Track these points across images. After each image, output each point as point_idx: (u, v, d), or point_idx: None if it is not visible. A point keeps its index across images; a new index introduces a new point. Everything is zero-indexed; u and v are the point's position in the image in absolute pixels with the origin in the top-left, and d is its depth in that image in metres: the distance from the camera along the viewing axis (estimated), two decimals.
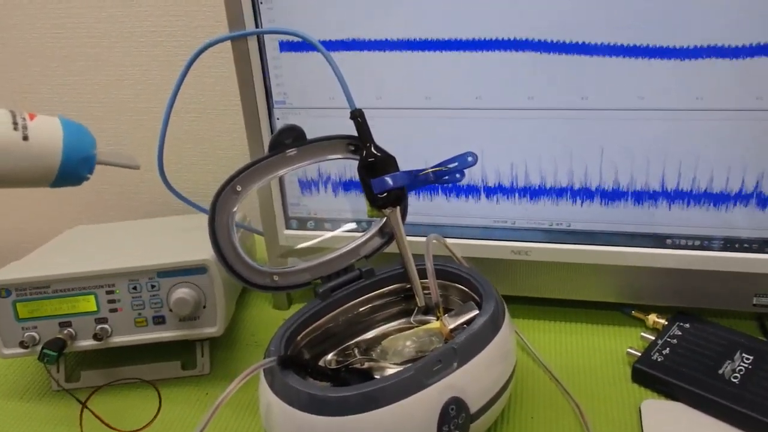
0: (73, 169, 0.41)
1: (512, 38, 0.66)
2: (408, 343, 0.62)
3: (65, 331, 0.71)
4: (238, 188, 0.62)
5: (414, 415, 0.54)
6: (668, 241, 0.72)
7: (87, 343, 0.72)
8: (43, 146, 0.39)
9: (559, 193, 0.72)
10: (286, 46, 0.72)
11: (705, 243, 0.71)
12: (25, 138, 0.38)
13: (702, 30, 0.62)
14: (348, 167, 0.77)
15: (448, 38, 0.68)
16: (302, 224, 0.81)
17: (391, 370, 0.61)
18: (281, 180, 0.79)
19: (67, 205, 1.18)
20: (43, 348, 0.68)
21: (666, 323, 0.75)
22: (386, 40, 0.69)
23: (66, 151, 0.40)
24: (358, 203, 0.78)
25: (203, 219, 0.61)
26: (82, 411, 0.64)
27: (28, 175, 0.39)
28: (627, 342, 0.77)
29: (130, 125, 1.08)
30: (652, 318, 0.77)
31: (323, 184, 0.78)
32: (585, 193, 0.72)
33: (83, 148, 0.41)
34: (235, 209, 0.61)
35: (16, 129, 0.38)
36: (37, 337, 0.71)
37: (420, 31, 0.68)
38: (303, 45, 0.71)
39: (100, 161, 0.43)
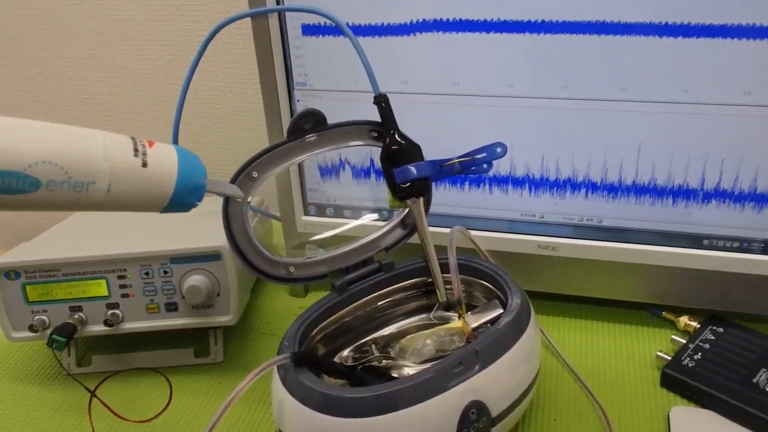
0: (185, 196, 0.42)
1: (547, 20, 0.63)
2: (428, 342, 0.60)
3: (75, 316, 0.69)
4: (255, 174, 0.59)
5: (432, 419, 0.52)
6: (705, 241, 0.69)
7: (97, 328, 0.70)
8: (159, 173, 0.40)
9: (591, 187, 0.69)
10: (308, 30, 0.69)
11: (744, 245, 0.68)
12: (144, 165, 0.39)
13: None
14: (370, 153, 0.74)
15: (481, 19, 0.64)
16: (321, 211, 0.79)
17: (409, 370, 0.58)
18: (300, 164, 0.76)
19: None
20: (51, 333, 0.67)
21: (698, 327, 0.72)
22: (414, 21, 0.66)
23: (180, 179, 0.41)
24: (379, 191, 0.76)
25: (219, 202, 0.58)
26: (90, 400, 0.63)
27: (142, 200, 0.40)
28: (656, 344, 0.74)
29: (148, 101, 1.06)
30: (684, 320, 0.74)
31: (344, 170, 0.76)
32: (619, 189, 0.68)
33: (195, 176, 0.42)
34: (250, 197, 0.59)
35: (136, 156, 0.39)
36: (47, 320, 0.70)
37: (451, 11, 0.64)
38: (326, 29, 0.68)
39: (209, 190, 0.44)
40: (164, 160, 0.41)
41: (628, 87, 0.63)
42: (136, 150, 0.40)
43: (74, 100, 1.09)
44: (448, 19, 0.65)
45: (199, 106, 1.02)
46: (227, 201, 0.57)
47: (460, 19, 0.65)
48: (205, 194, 0.45)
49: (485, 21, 0.64)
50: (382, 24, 0.66)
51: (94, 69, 1.05)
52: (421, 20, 0.65)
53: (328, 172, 0.76)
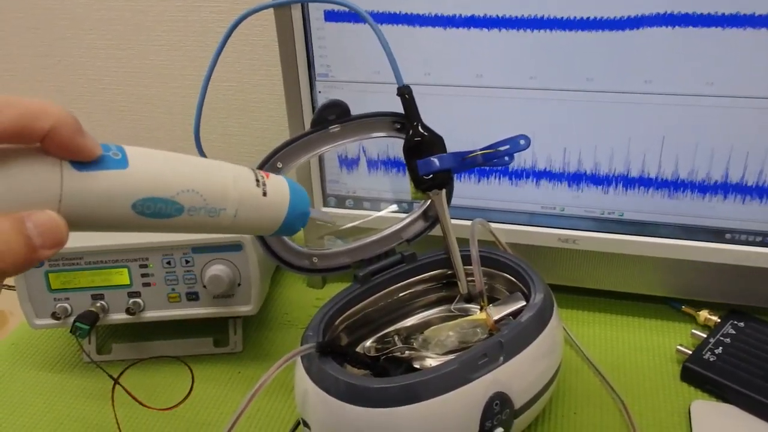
0: (293, 223, 0.46)
1: (571, 17, 0.62)
2: (450, 333, 0.60)
3: (98, 304, 0.70)
4: (279, 165, 0.60)
5: (456, 410, 0.52)
6: (727, 235, 0.69)
7: (119, 316, 0.71)
8: (275, 202, 0.44)
9: (613, 180, 0.69)
10: (331, 16, 0.69)
11: (766, 239, 0.68)
12: (264, 194, 0.43)
13: None
14: (391, 145, 0.74)
15: (505, 16, 0.64)
16: (341, 202, 0.79)
17: (432, 361, 0.58)
18: (321, 156, 0.76)
19: None
20: (75, 321, 0.67)
21: (719, 321, 0.72)
22: (439, 15, 0.65)
23: (291, 208, 0.45)
24: (399, 183, 0.76)
25: None
26: (114, 387, 0.63)
27: (259, 225, 0.44)
28: (676, 338, 0.74)
29: (165, 91, 1.06)
30: (704, 315, 0.74)
31: (364, 162, 0.76)
32: (641, 182, 0.68)
33: (302, 205, 0.46)
34: None
35: (258, 186, 0.43)
36: (69, 308, 0.70)
37: (475, 7, 0.64)
38: (350, 15, 0.68)
39: (312, 217, 0.49)
40: (279, 190, 0.45)
41: (653, 79, 0.63)
42: (257, 180, 0.43)
43: (92, 90, 1.09)
44: (471, 16, 0.65)
45: (215, 97, 1.02)
46: None
47: (484, 16, 0.64)
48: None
49: (510, 17, 0.64)
50: (406, 13, 0.66)
51: (111, 59, 1.05)
52: (447, 14, 0.65)
53: (348, 163, 0.76)
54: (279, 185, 0.45)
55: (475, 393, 0.52)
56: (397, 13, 0.67)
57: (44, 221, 0.32)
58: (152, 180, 0.37)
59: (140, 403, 0.63)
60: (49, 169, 0.33)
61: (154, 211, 0.38)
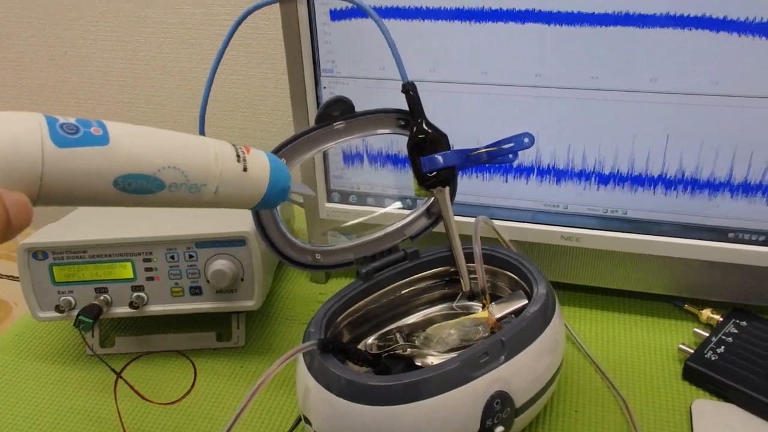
0: (273, 198, 0.46)
1: (577, 11, 0.62)
2: (452, 331, 0.60)
3: (101, 297, 0.70)
4: (283, 161, 0.59)
5: (457, 408, 0.52)
6: (731, 234, 0.68)
7: (123, 310, 0.71)
8: (256, 177, 0.45)
9: (617, 178, 0.69)
10: (337, 15, 0.68)
11: None
12: (245, 169, 0.44)
13: None
14: (395, 141, 0.74)
15: (511, 9, 0.64)
16: (344, 198, 0.79)
17: (433, 359, 0.59)
18: (325, 151, 0.76)
19: None
20: (78, 314, 0.67)
21: (721, 319, 0.72)
22: (444, 8, 0.65)
23: (272, 182, 0.46)
24: (403, 179, 0.76)
25: None
26: (116, 381, 0.63)
27: (240, 200, 0.45)
28: (678, 337, 0.74)
29: (171, 84, 1.06)
30: (707, 313, 0.73)
31: (368, 157, 0.76)
32: (645, 181, 0.68)
33: (283, 180, 0.47)
34: None
35: (238, 161, 0.43)
36: (73, 301, 0.70)
37: (481, 0, 0.64)
38: (356, 13, 0.68)
39: (292, 191, 0.49)
40: (259, 165, 0.45)
41: (658, 78, 0.63)
42: (238, 156, 0.44)
43: (98, 81, 1.09)
44: (477, 9, 0.64)
45: (221, 90, 1.02)
46: None
47: (490, 9, 0.64)
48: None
49: (516, 11, 0.64)
50: (411, 7, 0.66)
51: (118, 51, 1.05)
52: (452, 7, 0.65)
53: (352, 159, 0.76)
54: (259, 160, 0.45)
55: (476, 391, 0.52)
56: (402, 7, 0.66)
57: (17, 200, 0.33)
58: (134, 157, 0.38)
59: (142, 397, 0.63)
60: (30, 147, 0.33)
61: (136, 187, 0.38)
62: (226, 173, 0.43)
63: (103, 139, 0.36)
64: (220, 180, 0.42)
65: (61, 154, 0.34)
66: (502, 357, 0.54)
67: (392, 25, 0.67)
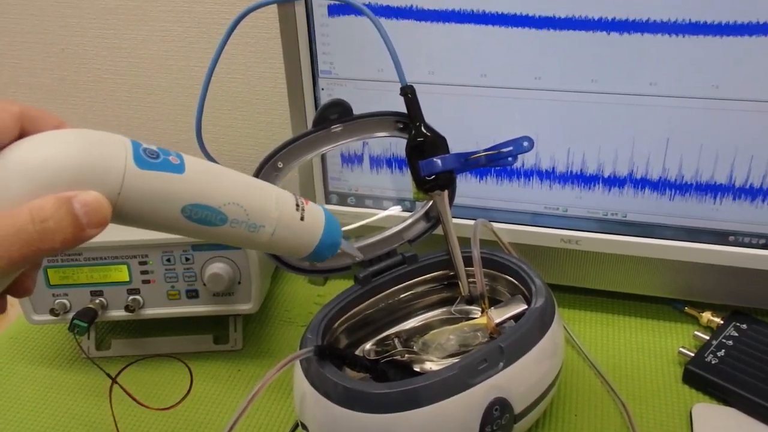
0: (324, 250, 0.48)
1: (577, 16, 0.61)
2: (451, 337, 0.59)
3: (96, 301, 0.70)
4: (280, 165, 0.59)
5: (456, 416, 0.52)
6: (731, 238, 0.68)
7: (118, 313, 0.70)
8: (311, 228, 0.47)
9: (617, 181, 0.68)
10: (335, 9, 0.67)
11: None
12: (302, 218, 0.46)
13: None
14: (394, 143, 0.73)
15: (511, 13, 0.63)
16: (342, 200, 0.78)
17: (432, 364, 0.58)
18: (323, 153, 0.75)
19: None
20: (73, 318, 0.67)
21: (721, 323, 0.72)
22: (444, 10, 0.64)
23: (324, 236, 0.47)
24: (401, 182, 0.75)
25: None
26: (111, 387, 0.63)
27: (293, 247, 0.47)
28: (678, 339, 0.73)
29: (169, 82, 1.05)
30: (707, 316, 0.73)
31: (367, 160, 0.75)
32: (645, 184, 0.67)
33: (335, 235, 0.48)
34: None
35: (297, 210, 0.46)
36: (68, 304, 0.70)
37: (482, 3, 0.63)
38: (352, 9, 0.67)
39: (341, 249, 0.51)
40: (315, 217, 0.47)
41: (658, 82, 0.62)
42: (297, 205, 0.46)
43: (95, 79, 1.08)
44: (476, 12, 0.64)
45: (219, 89, 1.01)
46: None
47: (490, 13, 0.63)
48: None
49: (516, 15, 0.63)
50: (412, 7, 0.65)
51: (115, 49, 1.05)
52: (451, 9, 0.64)
53: (351, 160, 0.75)
54: (316, 213, 0.48)
55: (474, 398, 0.52)
56: (401, 7, 0.65)
57: (90, 201, 0.34)
58: (204, 188, 0.40)
59: (138, 403, 0.63)
60: (115, 163, 0.36)
61: (201, 217, 0.40)
62: (284, 218, 0.45)
63: (180, 168, 0.39)
64: (278, 224, 0.44)
65: (140, 174, 0.37)
66: (501, 363, 0.53)
67: (390, 25, 0.66)
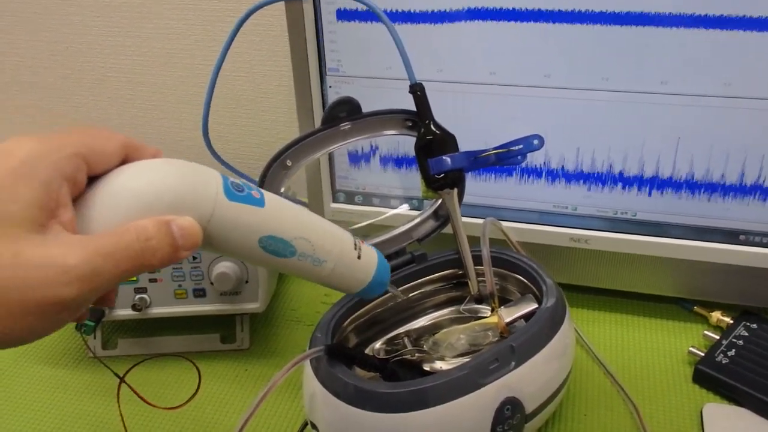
0: (374, 287, 0.51)
1: (588, 10, 0.61)
2: (461, 336, 0.59)
3: None
4: (288, 163, 0.59)
5: (467, 416, 0.52)
6: (741, 237, 0.68)
7: (125, 312, 0.70)
8: (365, 266, 0.50)
9: (626, 180, 0.68)
10: (343, 15, 0.67)
11: None
12: (359, 257, 0.49)
13: None
14: (402, 141, 0.73)
15: (520, 8, 0.62)
16: (350, 198, 0.78)
17: (442, 364, 0.58)
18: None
19: None
20: None
21: (731, 322, 0.71)
22: (453, 10, 0.64)
23: (375, 275, 0.51)
24: (409, 180, 0.75)
25: None
26: (119, 386, 0.62)
27: (348, 282, 0.50)
28: (687, 339, 0.73)
29: (173, 80, 1.05)
30: (716, 316, 0.73)
31: (374, 158, 0.75)
32: (655, 183, 0.67)
33: (384, 275, 0.52)
34: (283, 186, 0.58)
35: (355, 249, 0.49)
36: None
37: (488, 2, 0.63)
38: (361, 14, 0.67)
39: (388, 288, 0.54)
40: (370, 257, 0.51)
41: (669, 80, 0.62)
42: (355, 245, 0.49)
43: (99, 77, 1.08)
44: (493, 8, 0.63)
45: (224, 87, 1.01)
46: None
47: (499, 8, 0.63)
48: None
49: (525, 10, 0.63)
50: (420, 11, 0.65)
51: (119, 47, 1.04)
52: (462, 9, 0.64)
53: (358, 159, 0.75)
54: (370, 253, 0.51)
55: (486, 398, 0.52)
56: (412, 11, 0.65)
57: (186, 225, 0.38)
58: (280, 222, 0.44)
59: (146, 402, 0.62)
60: (208, 193, 0.39)
61: (274, 248, 0.43)
62: (344, 257, 0.48)
63: (261, 202, 0.42)
64: (338, 260, 0.47)
65: (228, 205, 0.40)
66: (513, 363, 0.53)
67: (399, 26, 0.66)
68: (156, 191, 0.38)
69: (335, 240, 0.48)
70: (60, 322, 0.36)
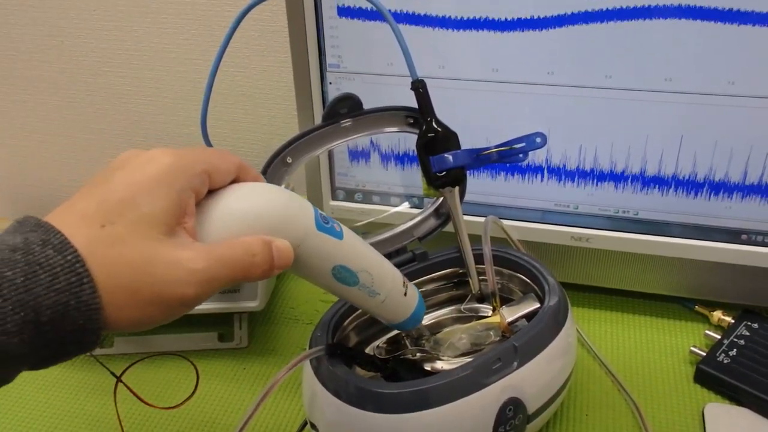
0: (411, 321, 0.55)
1: (590, 9, 0.61)
2: (463, 335, 0.59)
3: None
4: (289, 160, 0.58)
5: (469, 416, 0.51)
6: (743, 236, 0.67)
7: None
8: (408, 302, 0.54)
9: (629, 179, 0.67)
10: (344, 12, 0.66)
11: None
12: (405, 294, 0.53)
13: None
14: (402, 138, 0.72)
15: (524, 17, 0.62)
16: (349, 196, 0.77)
17: (444, 363, 0.57)
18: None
19: (106, 159, 1.15)
20: None
21: (732, 322, 0.71)
22: (456, 17, 0.64)
23: (415, 311, 0.55)
24: (410, 177, 0.74)
25: None
26: (116, 385, 0.62)
27: (391, 314, 0.54)
28: (689, 338, 0.73)
29: (170, 75, 1.04)
30: (718, 315, 0.72)
31: (374, 155, 0.74)
32: (657, 181, 0.67)
33: (420, 312, 0.56)
34: (284, 183, 0.58)
35: (403, 286, 0.53)
36: None
37: (494, 11, 0.63)
38: (363, 12, 0.66)
39: (422, 323, 0.58)
40: (412, 294, 0.55)
41: (673, 78, 0.62)
42: (403, 282, 0.53)
43: (96, 72, 1.07)
44: (491, 19, 0.63)
45: (222, 82, 1.00)
46: None
47: (504, 20, 0.63)
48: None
49: (528, 18, 0.62)
50: (425, 14, 0.64)
51: (116, 41, 1.03)
52: (464, 17, 0.64)
53: (359, 156, 0.74)
54: (413, 291, 0.55)
55: (488, 399, 0.51)
56: (413, 13, 0.65)
57: (282, 247, 0.43)
58: (351, 254, 0.48)
59: (144, 402, 0.62)
60: (302, 222, 0.44)
61: (342, 277, 0.48)
62: (394, 292, 0.52)
63: (340, 235, 0.47)
64: (388, 294, 0.51)
65: (316, 234, 0.45)
66: (515, 363, 0.52)
67: (402, 25, 0.65)
68: (262, 213, 0.43)
69: (390, 276, 0.52)
70: (175, 315, 0.40)
